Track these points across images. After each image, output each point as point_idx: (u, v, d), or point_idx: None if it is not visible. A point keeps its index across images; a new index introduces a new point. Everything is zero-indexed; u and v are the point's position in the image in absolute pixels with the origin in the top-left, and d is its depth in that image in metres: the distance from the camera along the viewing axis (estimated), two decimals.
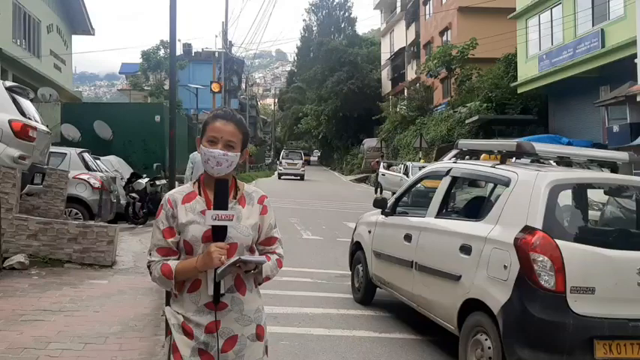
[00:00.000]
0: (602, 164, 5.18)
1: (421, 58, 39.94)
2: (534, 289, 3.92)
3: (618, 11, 19.09)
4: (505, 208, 4.44)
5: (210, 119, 2.29)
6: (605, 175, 4.99)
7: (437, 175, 5.95)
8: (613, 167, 5.17)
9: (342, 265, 9.26)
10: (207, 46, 48.60)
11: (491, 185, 5.32)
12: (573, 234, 4.21)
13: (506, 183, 4.57)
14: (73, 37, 28.81)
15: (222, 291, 2.20)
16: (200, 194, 2.29)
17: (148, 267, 2.29)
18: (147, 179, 13.61)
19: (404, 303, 5.81)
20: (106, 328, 5.05)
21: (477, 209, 5.06)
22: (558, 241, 3.96)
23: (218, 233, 2.16)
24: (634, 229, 4.78)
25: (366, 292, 6.81)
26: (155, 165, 15.05)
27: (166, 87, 35.62)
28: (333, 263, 9.44)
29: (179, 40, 10.07)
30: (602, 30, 19.59)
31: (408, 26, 44.67)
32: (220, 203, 2.17)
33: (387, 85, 49.87)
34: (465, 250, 4.62)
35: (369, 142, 45.65)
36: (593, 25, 20.33)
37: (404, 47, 45.00)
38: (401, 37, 46.26)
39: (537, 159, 5.17)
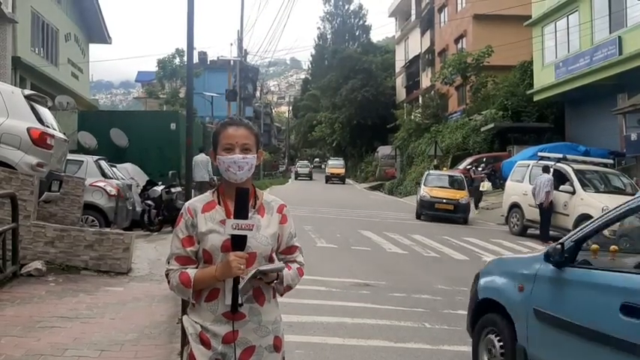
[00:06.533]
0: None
1: (436, 65, 39.85)
2: None
3: (636, 18, 18.92)
4: None
5: (220, 129, 2.31)
6: None
7: None
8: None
9: (356, 273, 9.24)
10: (222, 55, 48.96)
11: None
12: None
13: None
14: (90, 45, 29.15)
15: (240, 301, 2.18)
16: (220, 204, 2.29)
17: (166, 275, 2.29)
18: (162, 187, 13.66)
19: (419, 311, 5.72)
20: (122, 335, 5.07)
21: None
22: None
23: (237, 242, 2.14)
24: None
25: None
26: (170, 172, 15.11)
27: (182, 95, 35.88)
28: (348, 272, 9.40)
29: (194, 49, 10.02)
30: (619, 37, 19.42)
31: (422, 34, 44.62)
32: (241, 212, 2.16)
33: (401, 93, 49.79)
34: None
35: (384, 150, 45.65)
36: (610, 33, 20.16)
37: (419, 55, 44.95)
38: (416, 44, 46.22)
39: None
